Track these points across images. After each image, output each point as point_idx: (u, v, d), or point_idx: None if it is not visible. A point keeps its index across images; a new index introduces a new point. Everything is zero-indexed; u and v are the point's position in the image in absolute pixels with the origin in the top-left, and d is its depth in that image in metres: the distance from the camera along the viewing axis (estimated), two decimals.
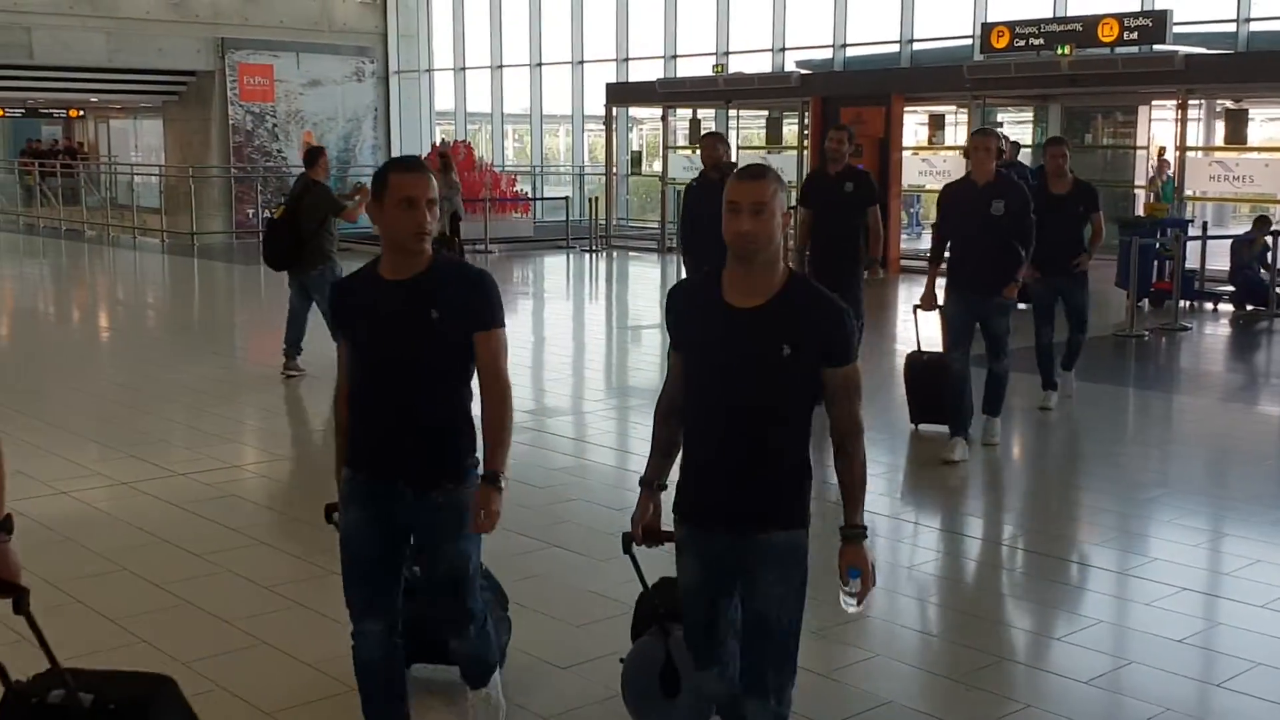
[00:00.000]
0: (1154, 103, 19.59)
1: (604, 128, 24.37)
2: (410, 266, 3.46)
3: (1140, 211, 17.97)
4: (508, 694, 4.37)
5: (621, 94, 24.14)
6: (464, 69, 29.48)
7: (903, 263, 18.50)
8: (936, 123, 20.44)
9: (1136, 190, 19.85)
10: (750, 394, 3.08)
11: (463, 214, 17.96)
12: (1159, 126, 20.18)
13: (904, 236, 20.68)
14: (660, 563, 3.63)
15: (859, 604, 3.13)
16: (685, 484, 3.24)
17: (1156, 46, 16.87)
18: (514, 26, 28.11)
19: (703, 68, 23.36)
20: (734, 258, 3.10)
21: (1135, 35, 17.05)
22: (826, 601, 5.36)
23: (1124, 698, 4.47)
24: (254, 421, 9.13)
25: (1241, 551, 6.16)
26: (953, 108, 21.11)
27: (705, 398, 3.16)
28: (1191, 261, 14.63)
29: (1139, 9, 18.03)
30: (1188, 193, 17.09)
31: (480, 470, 3.56)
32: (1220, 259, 15.08)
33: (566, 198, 25.05)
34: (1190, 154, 17.34)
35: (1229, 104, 18.14)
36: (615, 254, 22.03)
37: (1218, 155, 17.92)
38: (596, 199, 23.31)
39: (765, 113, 23.15)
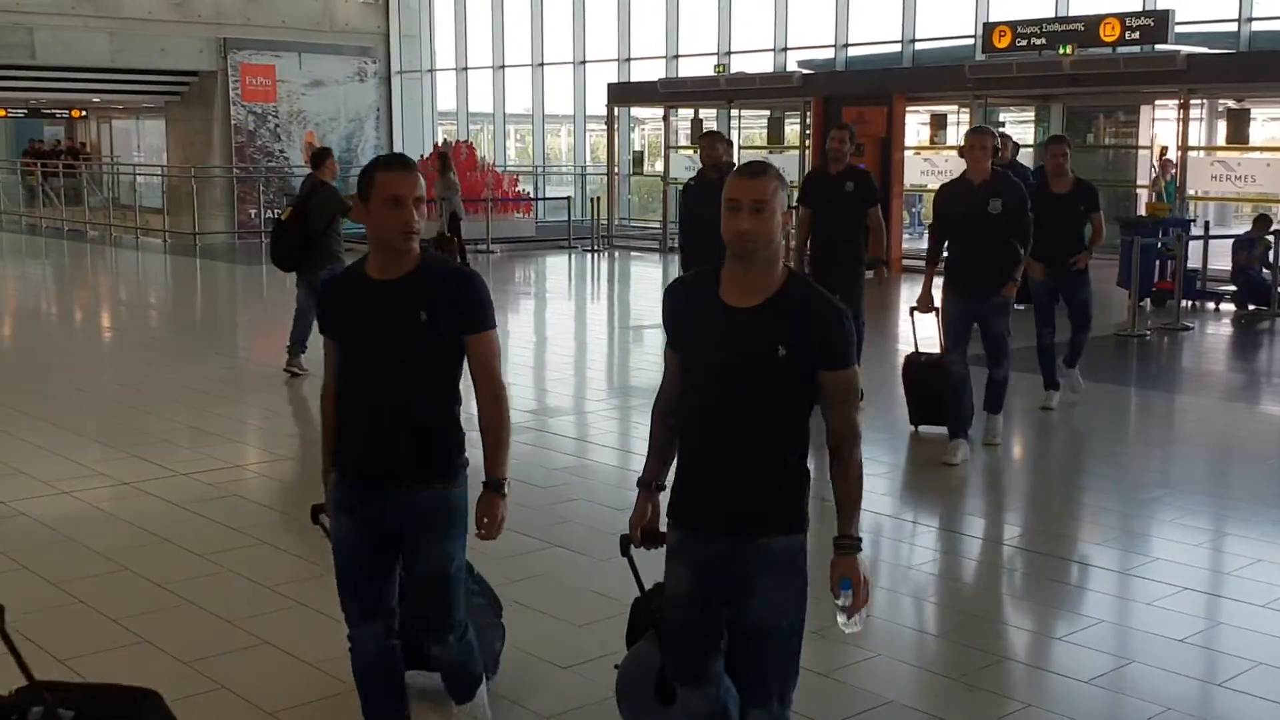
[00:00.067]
0: (1156, 102, 19.59)
1: (606, 128, 24.38)
2: (398, 266, 3.40)
3: (1142, 211, 17.96)
4: (509, 693, 4.38)
5: (623, 94, 24.14)
6: (466, 69, 29.49)
7: (905, 262, 18.49)
8: (938, 122, 20.45)
9: (1139, 190, 19.85)
10: (747, 395, 3.01)
11: (462, 214, 17.97)
12: (1161, 126, 20.18)
13: (906, 236, 20.68)
14: (658, 565, 3.62)
15: (850, 618, 3.05)
16: (681, 486, 3.17)
17: (1158, 46, 16.88)
18: (516, 26, 28.13)
19: (704, 67, 23.37)
20: (732, 257, 3.03)
21: (1137, 35, 17.05)
22: (826, 600, 5.37)
23: (1125, 697, 4.47)
24: (256, 421, 9.14)
25: (1243, 551, 6.16)
26: (954, 107, 21.11)
27: (701, 398, 3.09)
28: (1193, 261, 14.63)
29: (1141, 9, 18.03)
30: (1190, 192, 17.09)
31: (467, 469, 3.53)
32: (1222, 259, 15.07)
33: (568, 198, 25.07)
34: (1192, 154, 17.34)
35: (1231, 104, 18.14)
36: (617, 254, 22.04)
37: (1219, 155, 17.91)
38: (598, 199, 23.31)
39: (767, 112, 23.16)
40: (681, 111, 23.98)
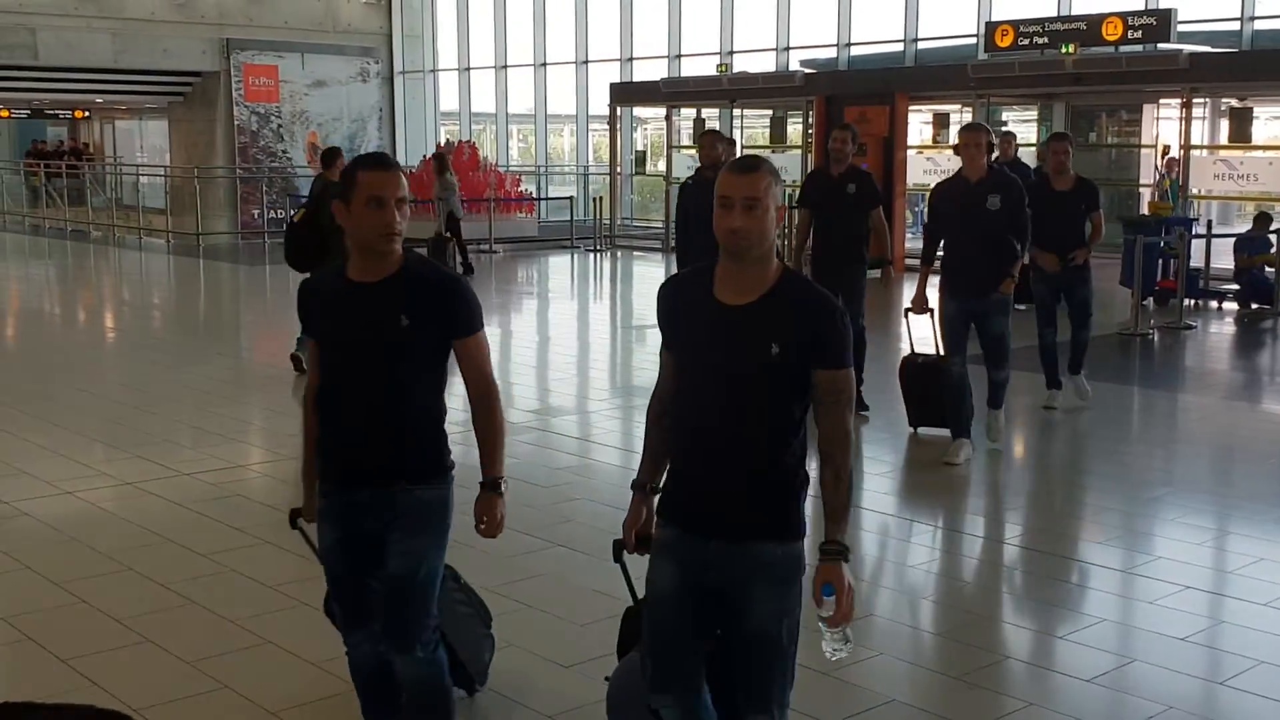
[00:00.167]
0: (1160, 101, 19.57)
1: (608, 127, 24.39)
2: (379, 269, 3.34)
3: (1145, 210, 17.96)
4: (510, 693, 4.39)
5: (626, 94, 24.15)
6: (469, 69, 29.50)
7: (908, 262, 18.48)
8: (941, 121, 20.44)
9: (1142, 189, 19.84)
10: (740, 394, 2.94)
11: (460, 214, 17.95)
12: (1163, 125, 20.17)
13: (909, 236, 20.67)
14: None
15: (832, 630, 2.92)
16: (673, 485, 3.11)
17: (1161, 45, 16.88)
18: (518, 27, 28.13)
19: (707, 67, 23.38)
20: (725, 254, 2.97)
21: (1139, 34, 17.05)
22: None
23: (1127, 696, 4.47)
24: (259, 421, 9.15)
25: (1245, 550, 6.16)
26: (957, 107, 21.11)
27: (695, 397, 3.02)
28: (1196, 260, 14.62)
29: (1143, 8, 18.02)
30: (1192, 191, 17.08)
31: (451, 473, 3.48)
32: (1225, 258, 15.06)
33: (571, 197, 25.06)
34: (1195, 152, 17.33)
35: (1233, 102, 18.13)
36: (619, 253, 22.04)
37: (1222, 154, 17.90)
38: (601, 199, 23.31)
39: (769, 112, 23.16)
40: (684, 111, 23.99)
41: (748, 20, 24.21)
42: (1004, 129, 17.02)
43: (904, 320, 8.18)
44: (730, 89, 21.60)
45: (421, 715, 3.59)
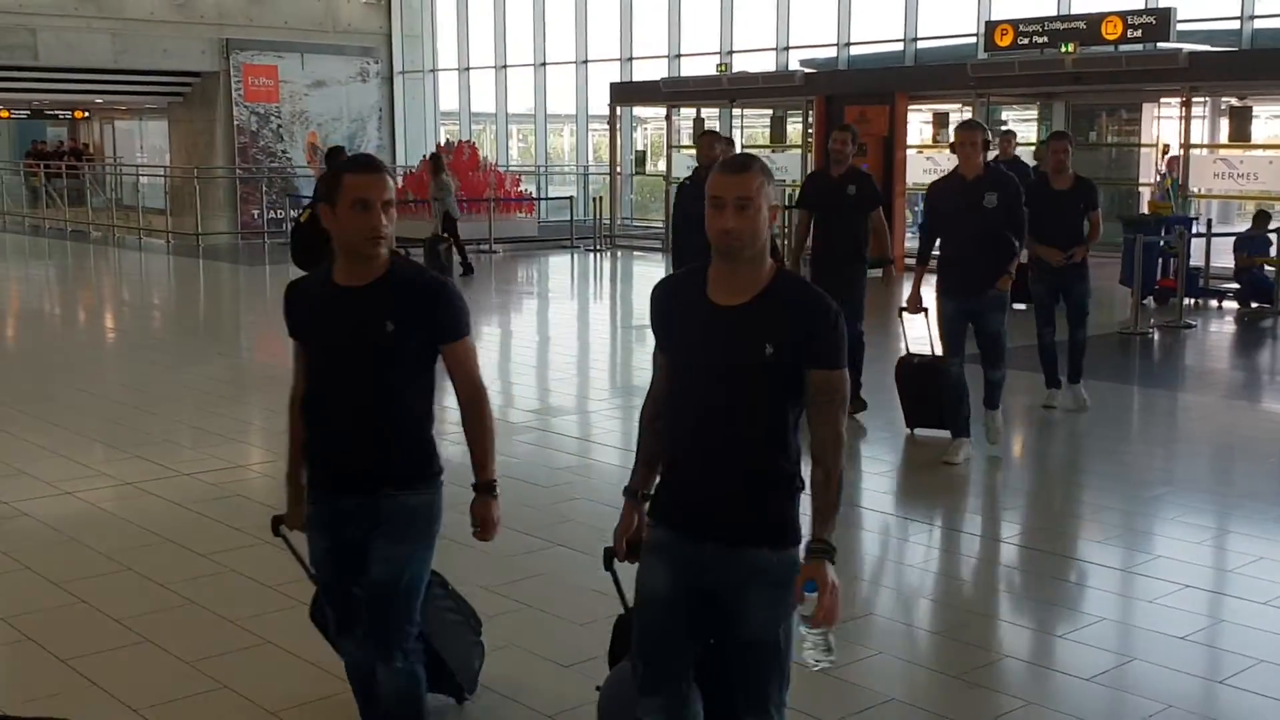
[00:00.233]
0: (1160, 100, 19.58)
1: (608, 127, 24.39)
2: (365, 273, 3.29)
3: (1145, 209, 17.97)
4: (510, 692, 4.39)
5: (626, 93, 24.16)
6: (468, 69, 29.50)
7: (908, 261, 18.47)
8: (941, 121, 20.43)
9: (1142, 188, 19.85)
10: (734, 396, 2.89)
11: (456, 214, 17.94)
12: (1163, 124, 20.18)
13: (909, 235, 20.68)
14: None
15: (814, 627, 2.81)
16: (666, 487, 3.06)
17: (1160, 44, 16.88)
18: (518, 26, 28.14)
19: (707, 67, 23.38)
20: (718, 254, 2.92)
21: (1139, 33, 17.05)
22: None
23: (1126, 695, 4.47)
24: (259, 421, 9.15)
25: (1245, 549, 6.15)
26: (957, 106, 21.10)
27: (689, 399, 2.97)
28: (1196, 259, 14.62)
29: (1143, 6, 18.02)
30: (1192, 190, 17.08)
31: (439, 478, 3.44)
32: (1225, 257, 15.06)
33: (571, 197, 25.06)
34: (1194, 151, 17.33)
35: (1233, 101, 18.13)
36: (619, 253, 22.04)
37: (1222, 152, 17.90)
38: (601, 198, 23.32)
39: (769, 112, 23.17)
40: (684, 111, 23.99)
41: (747, 20, 24.22)
42: (1004, 128, 17.04)
43: (899, 319, 8.14)
44: (730, 89, 21.60)
45: None
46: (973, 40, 20.16)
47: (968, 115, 20.11)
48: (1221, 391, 10.48)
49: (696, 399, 2.96)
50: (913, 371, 8.12)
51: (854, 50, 22.58)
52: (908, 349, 8.28)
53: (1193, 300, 14.24)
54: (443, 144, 24.38)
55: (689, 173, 9.56)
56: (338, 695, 4.25)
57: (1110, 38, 17.16)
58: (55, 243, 24.62)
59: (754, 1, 24.02)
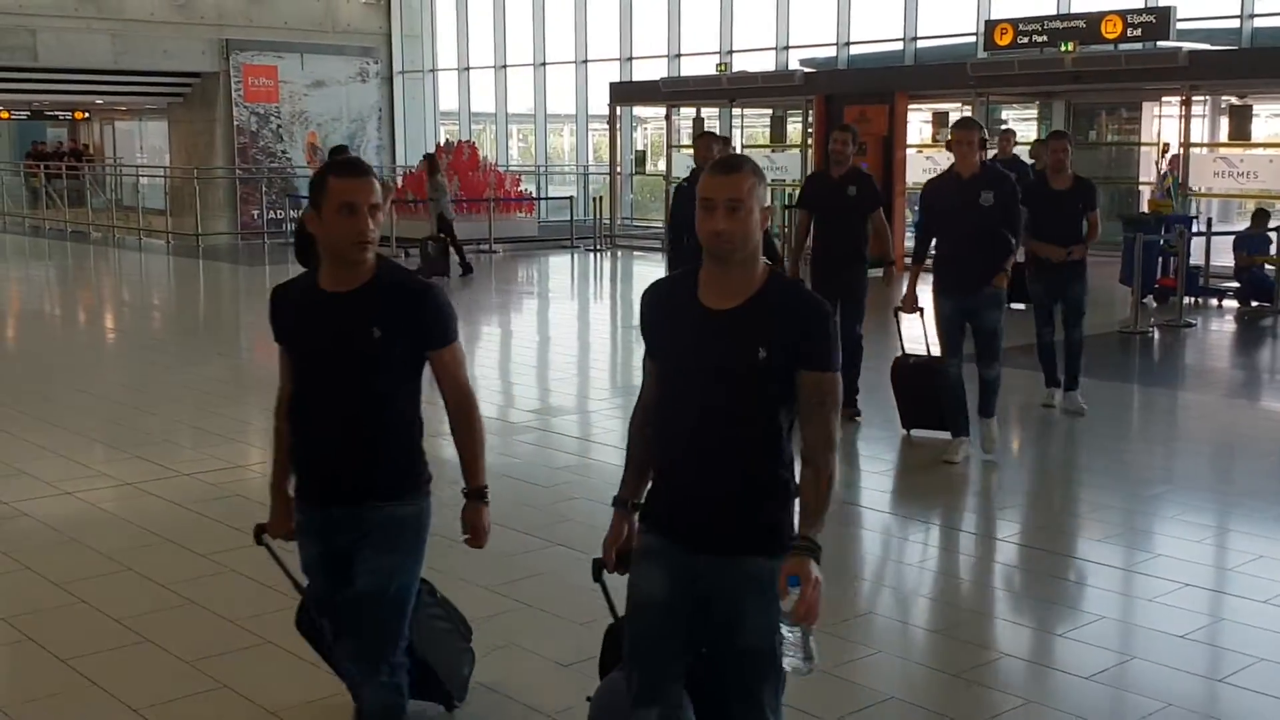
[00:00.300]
0: (1163, 99, 19.58)
1: (608, 127, 24.39)
2: (351, 278, 3.24)
3: (1145, 208, 17.98)
4: (510, 691, 4.39)
5: (625, 93, 24.16)
6: (468, 69, 29.51)
7: (908, 260, 18.48)
8: (941, 120, 20.43)
9: (1142, 187, 19.85)
10: (727, 401, 2.84)
11: (450, 215, 17.93)
12: (1163, 123, 20.18)
13: (909, 235, 20.68)
14: None
15: (795, 623, 2.74)
16: (658, 494, 3.02)
17: (1160, 43, 16.89)
18: (518, 26, 28.15)
19: (706, 66, 23.38)
20: (709, 257, 2.88)
21: (1139, 32, 17.07)
22: (828, 597, 5.37)
23: (1126, 693, 4.47)
24: (259, 421, 9.13)
25: (1245, 547, 6.15)
26: (957, 105, 21.10)
27: (680, 405, 2.92)
28: (1196, 258, 14.62)
29: (1142, 5, 18.02)
30: (1192, 189, 17.08)
31: (428, 487, 3.39)
32: (1225, 255, 15.06)
33: (571, 197, 25.06)
34: (1195, 150, 17.34)
35: (1233, 100, 18.13)
36: (619, 253, 22.05)
37: (1222, 151, 17.91)
38: (601, 198, 23.32)
39: (769, 111, 23.17)
40: (684, 110, 24.00)
41: (747, 19, 24.23)
42: (1003, 127, 17.04)
43: (894, 319, 8.10)
44: (730, 88, 21.61)
45: None
46: (972, 39, 20.16)
47: (968, 114, 20.16)
48: (1221, 390, 10.48)
49: (689, 404, 2.90)
50: (909, 372, 8.08)
51: (854, 50, 22.59)
52: (903, 349, 8.27)
53: (1193, 299, 14.24)
54: (442, 144, 24.38)
55: (688, 174, 9.51)
56: (337, 695, 4.25)
57: (1110, 37, 17.17)
58: (55, 243, 24.63)
59: (753, 1, 24.02)
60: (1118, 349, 11.83)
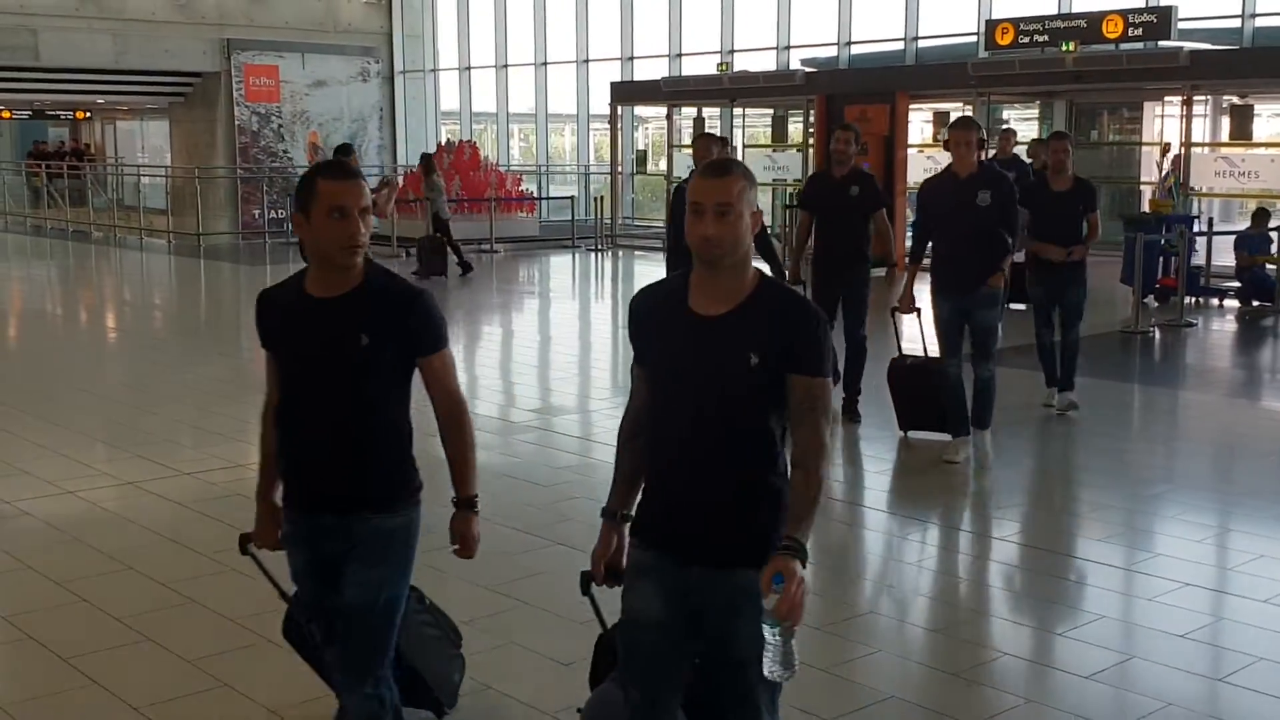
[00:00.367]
0: (1165, 99, 19.58)
1: (609, 127, 24.39)
2: (340, 283, 3.17)
3: (1146, 208, 17.98)
4: (511, 690, 4.40)
5: (626, 93, 24.16)
6: (469, 69, 29.52)
7: (908, 260, 18.47)
8: (942, 120, 20.44)
9: (1143, 186, 19.86)
10: (719, 409, 2.80)
11: (445, 215, 17.92)
12: (1164, 122, 20.19)
13: (909, 235, 20.70)
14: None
15: (775, 618, 2.64)
16: (649, 506, 2.96)
17: (1161, 43, 16.88)
18: (519, 26, 28.15)
19: (707, 66, 23.38)
20: (699, 262, 2.83)
21: (1140, 31, 17.06)
22: (829, 596, 5.39)
23: (1126, 693, 4.47)
24: (259, 421, 9.15)
25: (1245, 547, 6.15)
26: (958, 105, 21.11)
27: (671, 414, 2.87)
28: (1197, 258, 14.62)
29: (1144, 5, 18.02)
30: (1193, 188, 17.08)
31: (418, 496, 3.33)
32: (1226, 255, 15.06)
33: (572, 197, 25.06)
34: (1196, 150, 17.34)
35: (1234, 99, 18.13)
36: (621, 253, 22.05)
37: (1223, 151, 17.90)
38: (602, 198, 23.31)
39: (770, 111, 23.17)
40: (685, 110, 24.01)
41: (748, 19, 24.23)
42: (1004, 126, 17.04)
43: (891, 319, 8.09)
44: (731, 88, 21.61)
45: None
46: (973, 39, 20.15)
47: (969, 114, 20.16)
48: (1222, 390, 10.48)
49: (680, 412, 2.86)
50: (905, 373, 8.05)
51: (855, 49, 22.58)
52: (900, 350, 8.25)
53: (1194, 299, 14.24)
54: (444, 144, 24.38)
55: (688, 174, 9.49)
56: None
57: (1111, 36, 17.16)
58: (57, 243, 24.64)
59: (754, 1, 24.02)
60: (1119, 349, 11.83)
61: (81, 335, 14.00)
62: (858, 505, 6.75)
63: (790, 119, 22.45)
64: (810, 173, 15.29)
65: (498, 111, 29.41)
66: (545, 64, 27.79)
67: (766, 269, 8.33)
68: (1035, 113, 22.06)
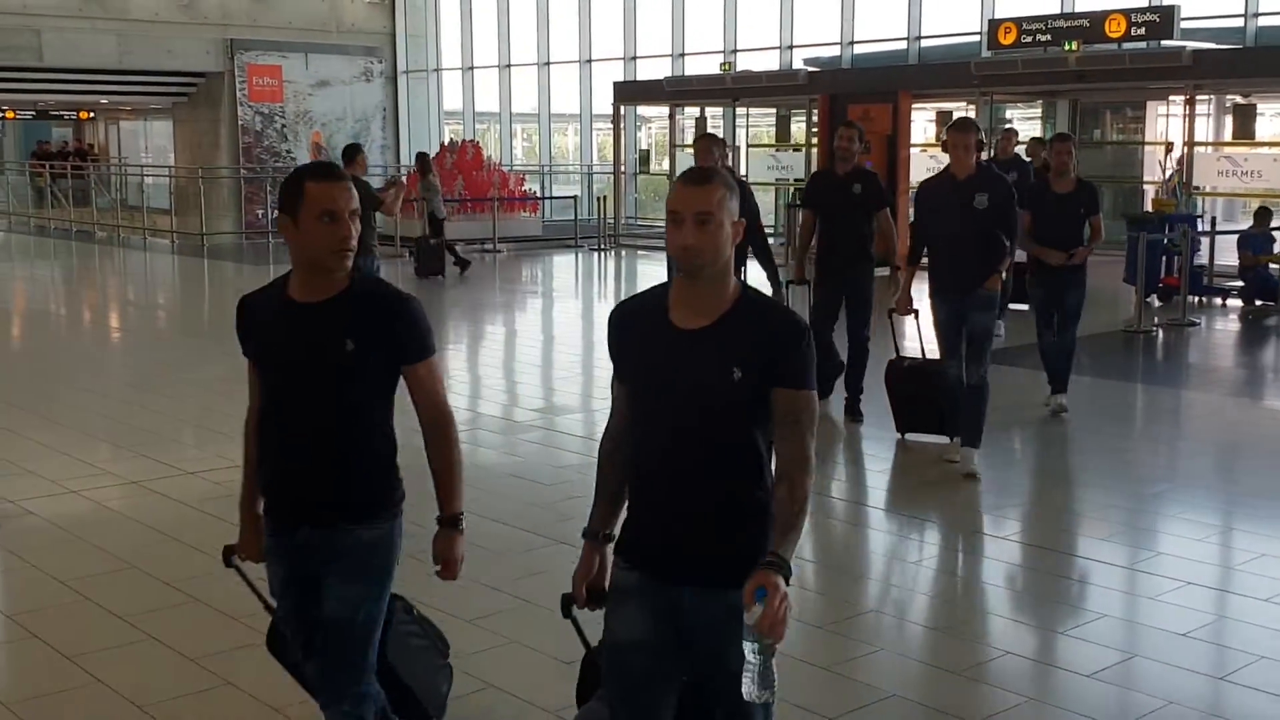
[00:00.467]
0: (1168, 98, 19.58)
1: (612, 126, 24.41)
2: (325, 288, 3.10)
3: (1149, 207, 17.97)
4: (514, 689, 4.40)
5: (629, 93, 24.17)
6: (472, 68, 29.53)
7: (907, 261, 18.46)
8: (945, 120, 20.44)
9: (1146, 186, 19.85)
10: (702, 425, 2.72)
11: (441, 214, 17.92)
12: (1167, 122, 20.18)
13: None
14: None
15: (757, 634, 2.51)
16: (633, 526, 2.87)
17: (1164, 42, 16.88)
18: (522, 26, 28.17)
19: (710, 66, 23.40)
20: (680, 273, 2.76)
21: (1143, 31, 17.06)
22: (829, 596, 5.39)
23: (1128, 691, 4.48)
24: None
25: (1247, 546, 6.16)
26: (961, 104, 21.11)
27: (653, 430, 2.79)
28: (1200, 257, 14.61)
29: (1146, 4, 18.01)
30: (1196, 188, 17.08)
31: (399, 508, 3.25)
32: (1229, 254, 15.05)
33: (575, 197, 25.04)
34: (1199, 149, 17.33)
35: (1237, 99, 18.13)
36: (624, 253, 22.06)
37: (1226, 150, 17.90)
38: (605, 198, 23.33)
39: (773, 110, 23.18)
40: (688, 110, 24.02)
41: (751, 19, 24.23)
42: (1005, 126, 17.03)
43: (888, 320, 8.06)
44: (734, 88, 21.62)
45: None
46: (976, 38, 20.16)
47: (971, 114, 20.15)
48: (1225, 389, 10.48)
49: (661, 426, 2.77)
50: (902, 375, 8.02)
51: (858, 49, 22.59)
52: (898, 351, 8.24)
53: (1196, 298, 14.23)
54: (446, 143, 24.40)
55: None
56: None
57: (1114, 36, 17.16)
58: (60, 243, 24.67)
59: (757, 0, 24.03)
60: (1121, 348, 11.83)
61: (85, 335, 14.03)
62: (858, 504, 6.75)
63: (793, 119, 22.45)
64: (813, 171, 15.30)
65: (501, 111, 29.43)
66: (548, 64, 27.81)
67: (765, 273, 8.38)
68: (1038, 112, 22.06)
